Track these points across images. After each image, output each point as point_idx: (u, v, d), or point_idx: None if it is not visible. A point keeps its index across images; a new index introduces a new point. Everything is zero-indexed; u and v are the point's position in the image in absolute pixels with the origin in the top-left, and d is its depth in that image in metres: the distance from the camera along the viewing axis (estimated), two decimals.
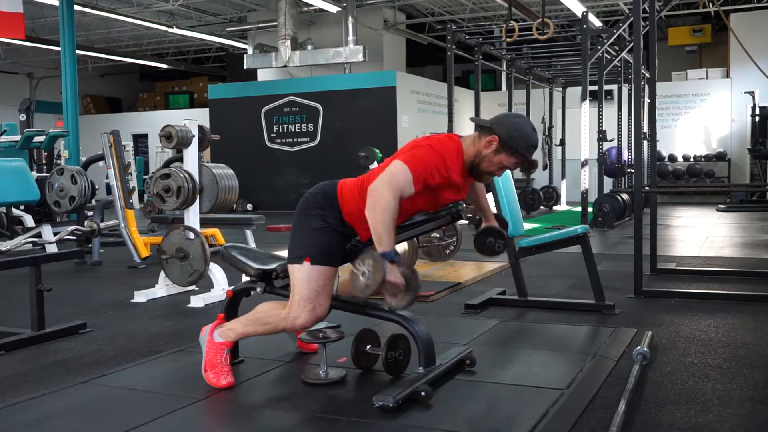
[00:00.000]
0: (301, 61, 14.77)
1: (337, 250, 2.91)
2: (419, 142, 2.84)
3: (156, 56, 20.47)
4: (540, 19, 9.70)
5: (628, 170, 12.11)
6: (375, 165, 9.18)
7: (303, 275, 2.82)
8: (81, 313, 4.64)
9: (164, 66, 20.37)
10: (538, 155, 14.28)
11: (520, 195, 11.30)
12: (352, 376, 3.08)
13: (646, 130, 9.21)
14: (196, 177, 5.05)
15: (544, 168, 14.14)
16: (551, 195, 13.80)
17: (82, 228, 6.58)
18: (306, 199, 2.96)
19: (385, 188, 2.65)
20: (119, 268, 6.71)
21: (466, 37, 11.30)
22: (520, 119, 2.90)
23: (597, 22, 13.26)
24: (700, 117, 15.82)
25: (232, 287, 3.30)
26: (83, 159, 9.14)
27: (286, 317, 2.85)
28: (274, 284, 3.12)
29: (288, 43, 14.55)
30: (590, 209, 9.97)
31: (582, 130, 9.99)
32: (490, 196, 4.44)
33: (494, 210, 4.61)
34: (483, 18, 16.90)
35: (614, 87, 13.08)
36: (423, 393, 2.72)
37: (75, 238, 7.07)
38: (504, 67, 14.52)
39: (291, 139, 14.67)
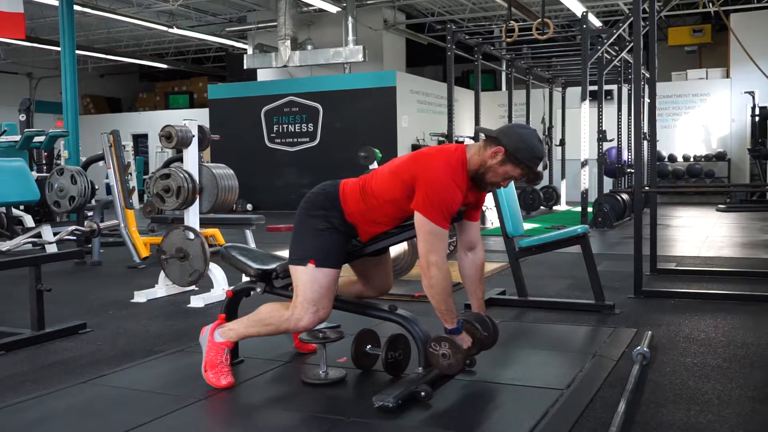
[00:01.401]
0: (301, 61, 14.77)
1: (340, 251, 2.91)
2: (427, 164, 2.78)
3: (156, 56, 20.47)
4: (540, 19, 9.69)
5: (628, 170, 12.11)
6: (375, 165, 9.18)
7: (307, 277, 2.82)
8: (81, 313, 4.64)
9: (164, 66, 20.37)
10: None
11: (520, 195, 11.32)
12: (352, 376, 3.08)
13: (646, 130, 9.21)
14: (196, 177, 5.05)
15: (544, 168, 14.09)
16: (551, 195, 13.79)
17: (82, 228, 6.57)
18: (308, 200, 2.96)
19: (435, 270, 2.77)
20: (119, 268, 6.71)
21: (466, 37, 11.30)
22: (527, 130, 2.88)
23: (597, 22, 13.27)
24: (700, 117, 15.82)
25: (232, 287, 3.30)
26: (83, 159, 9.14)
27: (289, 319, 2.85)
28: (274, 284, 3.12)
29: (288, 43, 14.55)
30: (590, 209, 9.97)
31: (582, 130, 9.99)
32: (489, 197, 4.45)
33: (493, 209, 4.62)
34: (483, 18, 16.90)
35: (614, 87, 13.08)
36: (423, 393, 2.72)
37: (75, 238, 7.07)
38: (504, 67, 14.53)
39: (291, 139, 14.67)
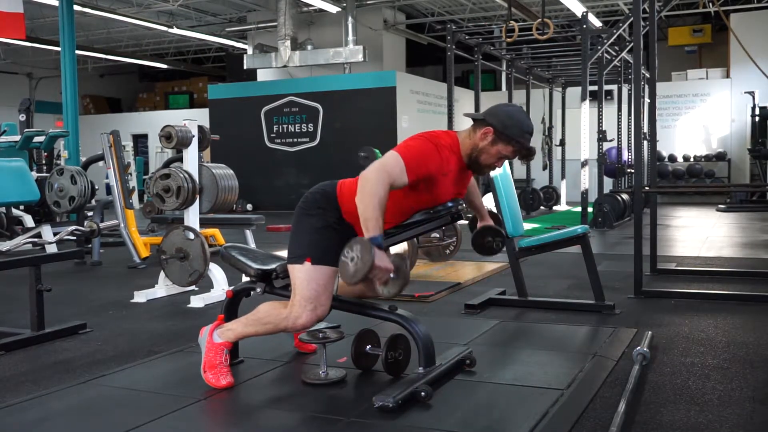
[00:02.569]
0: (300, 61, 14.77)
1: (338, 249, 2.89)
2: (414, 135, 2.86)
3: (156, 56, 20.47)
4: (540, 19, 9.69)
5: (628, 170, 12.11)
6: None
7: (304, 275, 2.82)
8: (81, 314, 4.64)
9: (164, 66, 20.37)
10: (538, 155, 14.34)
11: (520, 195, 11.30)
12: (352, 377, 3.08)
13: (646, 130, 9.20)
14: (196, 177, 5.05)
15: (544, 168, 14.14)
16: (551, 195, 13.80)
17: (82, 228, 6.57)
18: (306, 199, 2.96)
19: (374, 174, 2.63)
20: (119, 269, 6.71)
21: (466, 37, 11.30)
22: (513, 107, 2.91)
23: (597, 22, 13.27)
24: (700, 117, 15.82)
25: (231, 287, 3.30)
26: (83, 159, 9.14)
27: (287, 317, 2.84)
28: (274, 284, 3.12)
29: (288, 43, 14.55)
30: (590, 209, 9.97)
31: (582, 130, 9.99)
32: (489, 197, 4.45)
33: (493, 209, 4.61)
34: (483, 18, 16.89)
35: (614, 87, 13.08)
36: (423, 393, 2.72)
37: (75, 238, 7.07)
38: (504, 67, 14.53)
39: (291, 140, 14.67)
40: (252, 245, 6.34)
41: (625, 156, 12.54)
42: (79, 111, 10.78)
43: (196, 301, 4.90)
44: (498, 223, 3.24)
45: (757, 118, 13.97)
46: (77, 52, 11.36)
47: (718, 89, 15.66)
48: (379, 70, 15.17)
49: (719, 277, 5.73)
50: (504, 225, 3.25)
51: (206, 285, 5.17)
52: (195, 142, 5.10)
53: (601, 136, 10.51)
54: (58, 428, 2.63)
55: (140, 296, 5.11)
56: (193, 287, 5.22)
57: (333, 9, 14.38)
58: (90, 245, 7.07)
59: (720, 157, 15.41)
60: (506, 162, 4.61)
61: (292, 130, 14.66)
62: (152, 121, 18.48)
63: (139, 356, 3.57)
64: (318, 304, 2.83)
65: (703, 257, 6.95)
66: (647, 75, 8.82)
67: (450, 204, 2.92)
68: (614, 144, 12.40)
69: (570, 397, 2.79)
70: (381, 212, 2.61)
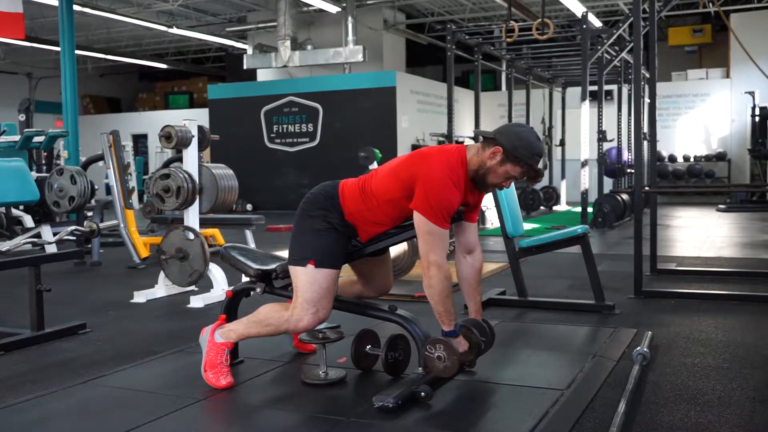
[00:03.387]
0: (300, 61, 14.77)
1: (340, 251, 2.91)
2: (427, 163, 2.78)
3: (155, 56, 20.47)
4: (540, 19, 9.69)
5: (628, 170, 12.11)
6: (375, 165, 9.18)
7: (307, 278, 2.82)
8: (81, 314, 4.63)
9: (164, 66, 20.37)
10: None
11: (520, 195, 11.32)
12: (352, 377, 3.08)
13: (646, 130, 9.19)
14: (196, 177, 5.05)
15: (544, 168, 14.14)
16: (551, 195, 13.79)
17: (82, 228, 6.57)
18: (307, 200, 2.96)
19: (435, 270, 2.76)
20: (119, 269, 6.71)
21: (466, 37, 11.30)
22: (524, 128, 2.89)
23: (597, 22, 13.26)
24: (700, 117, 15.81)
25: (231, 288, 3.30)
26: (83, 159, 9.13)
27: (288, 319, 2.84)
28: (274, 285, 3.12)
29: (288, 43, 14.55)
30: (590, 209, 9.97)
31: (582, 131, 9.99)
32: (489, 197, 4.45)
33: (493, 209, 4.61)
34: (483, 18, 16.89)
35: (614, 87, 13.08)
36: (423, 393, 2.72)
37: (74, 238, 7.07)
38: (504, 68, 14.53)
39: (291, 140, 14.67)
40: (252, 245, 6.34)
41: (625, 156, 12.53)
42: (78, 111, 10.77)
43: (196, 302, 4.90)
44: (482, 332, 3.06)
45: (757, 118, 13.96)
46: (77, 52, 11.35)
47: (718, 89, 15.66)
48: (379, 70, 15.17)
49: (719, 277, 5.73)
50: (493, 333, 3.10)
51: (206, 285, 5.17)
52: (195, 142, 5.10)
53: (601, 136, 10.51)
54: (58, 428, 2.63)
55: (140, 296, 5.11)
56: (192, 287, 5.22)
57: (333, 9, 14.37)
58: (90, 245, 7.07)
59: (720, 157, 15.41)
60: None
61: (292, 130, 14.66)
62: (152, 121, 18.48)
63: (139, 356, 3.57)
64: (320, 308, 2.82)
65: (703, 257, 6.94)
66: (647, 75, 8.82)
67: None
68: (614, 144, 12.40)
69: (570, 397, 2.79)
70: (451, 303, 2.83)
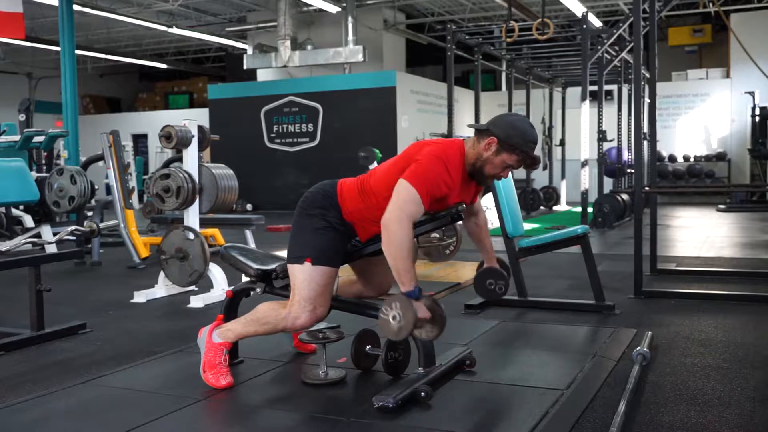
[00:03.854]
0: (300, 61, 14.77)
1: (338, 250, 2.90)
2: (423, 149, 2.81)
3: (156, 56, 20.47)
4: (540, 19, 9.69)
5: (628, 170, 12.11)
6: (375, 165, 9.17)
7: (304, 275, 2.82)
8: (80, 314, 4.63)
9: (164, 66, 20.37)
10: (538, 155, 14.32)
11: (520, 195, 11.30)
12: (352, 377, 3.08)
13: (646, 130, 9.19)
14: (196, 177, 5.05)
15: (544, 168, 14.14)
16: (551, 195, 13.79)
17: (82, 228, 6.56)
18: (306, 199, 2.96)
19: (396, 224, 2.64)
20: (119, 269, 6.71)
21: (466, 37, 11.30)
22: (516, 117, 2.91)
23: (597, 22, 13.26)
24: (700, 117, 15.81)
25: (231, 287, 3.30)
26: (83, 159, 9.13)
27: (286, 317, 2.84)
28: (274, 284, 3.12)
29: (288, 43, 14.55)
30: (590, 209, 9.96)
31: (582, 131, 9.98)
32: (489, 197, 4.45)
33: (493, 209, 4.61)
34: (483, 18, 16.89)
35: (614, 87, 13.08)
36: (423, 393, 2.72)
37: (74, 238, 7.06)
38: (504, 68, 14.54)
39: (291, 140, 14.67)
40: (252, 245, 6.33)
41: (625, 156, 12.53)
42: (78, 111, 10.77)
43: (196, 301, 4.90)
44: (504, 268, 3.20)
45: (757, 118, 13.96)
46: (77, 51, 11.35)
47: (718, 89, 15.66)
48: (379, 70, 15.17)
49: (719, 277, 5.73)
50: (509, 271, 3.18)
51: (206, 285, 5.17)
52: (195, 142, 5.10)
53: (601, 136, 10.50)
54: (58, 428, 2.63)
55: (140, 296, 5.11)
56: (192, 287, 5.22)
57: (333, 9, 14.37)
58: (90, 245, 7.07)
59: (720, 157, 15.41)
60: None
61: (292, 130, 14.66)
62: (152, 121, 18.48)
63: (139, 356, 3.57)
64: (317, 305, 2.82)
65: (703, 257, 6.94)
66: (647, 75, 8.81)
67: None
68: (614, 144, 12.40)
69: (570, 398, 2.79)
70: (411, 262, 2.66)
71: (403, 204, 2.67)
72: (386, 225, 2.66)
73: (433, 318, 2.73)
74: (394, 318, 2.60)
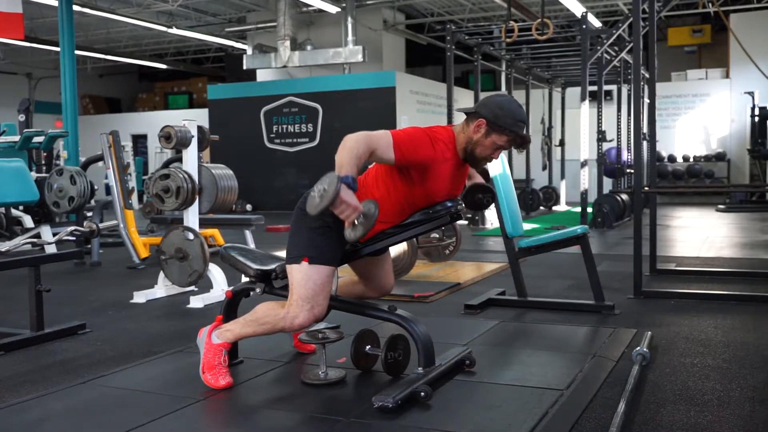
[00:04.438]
0: (300, 62, 14.77)
1: (335, 248, 2.90)
2: (411, 127, 2.87)
3: (155, 56, 20.47)
4: (539, 20, 9.70)
5: (628, 170, 12.11)
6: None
7: (301, 275, 2.82)
8: (80, 314, 4.63)
9: (163, 66, 20.36)
10: (537, 155, 14.39)
11: (519, 195, 11.31)
12: (352, 377, 3.08)
13: (645, 130, 9.20)
14: (196, 177, 5.05)
15: (544, 168, 14.14)
16: (551, 195, 13.80)
17: (82, 228, 6.57)
18: (305, 199, 2.95)
19: (357, 135, 2.65)
20: (118, 269, 6.71)
21: (466, 38, 11.30)
22: (504, 97, 2.91)
23: (596, 23, 13.27)
24: (700, 117, 15.82)
25: (231, 288, 3.30)
26: (82, 159, 9.13)
27: (284, 317, 2.84)
28: (274, 285, 3.12)
29: (287, 43, 14.55)
30: (590, 210, 9.97)
31: (581, 131, 9.99)
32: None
33: (493, 209, 4.61)
34: (482, 18, 16.89)
35: (614, 87, 13.08)
36: (422, 393, 2.72)
37: (74, 238, 7.06)
38: (503, 68, 14.54)
39: (290, 140, 14.67)
40: (251, 245, 6.34)
41: (625, 156, 12.53)
42: (78, 111, 10.77)
43: (196, 302, 4.90)
44: (487, 180, 3.21)
45: (756, 119, 13.96)
46: (77, 52, 11.34)
47: (717, 89, 15.66)
48: (379, 71, 15.17)
49: (719, 277, 5.73)
50: (493, 182, 3.16)
51: (206, 285, 5.17)
52: (194, 142, 5.10)
53: (601, 137, 10.51)
54: (58, 428, 2.63)
55: (140, 296, 5.11)
56: (192, 287, 5.22)
57: (332, 9, 14.37)
58: (89, 246, 7.07)
59: (719, 157, 15.42)
60: (506, 162, 4.63)
61: (292, 130, 14.65)
62: (152, 122, 18.47)
63: (139, 356, 3.57)
64: (315, 304, 2.82)
65: (703, 257, 6.95)
66: (647, 75, 8.82)
67: (449, 204, 2.92)
68: (614, 144, 12.40)
69: (570, 398, 2.79)
70: (356, 159, 2.60)
71: (371, 132, 2.70)
72: (346, 137, 2.66)
73: (365, 216, 2.58)
74: (319, 192, 2.55)
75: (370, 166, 3.04)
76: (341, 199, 2.51)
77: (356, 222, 2.59)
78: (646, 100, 8.00)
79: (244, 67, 15.64)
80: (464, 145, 2.85)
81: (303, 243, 2.86)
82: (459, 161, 2.88)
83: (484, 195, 3.06)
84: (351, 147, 2.61)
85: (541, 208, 13.58)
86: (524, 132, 2.85)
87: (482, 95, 12.36)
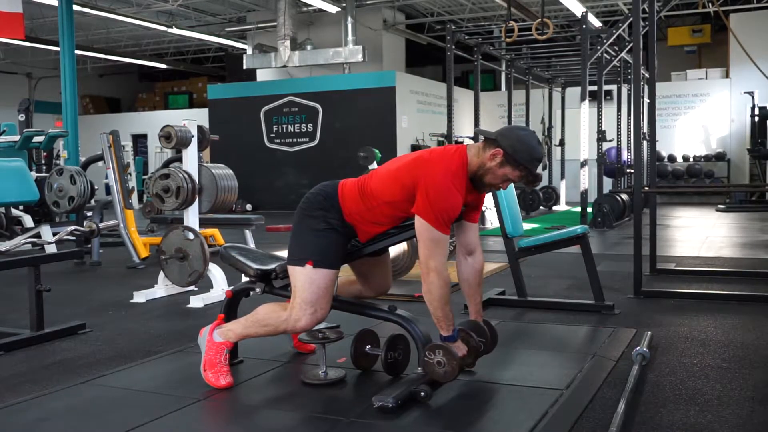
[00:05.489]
0: (300, 62, 14.77)
1: (339, 251, 2.90)
2: (427, 166, 2.77)
3: (155, 56, 20.47)
4: (539, 20, 9.70)
5: (628, 170, 12.11)
6: (374, 165, 9.18)
7: (305, 278, 2.82)
8: (80, 314, 4.63)
9: (163, 66, 20.36)
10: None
11: (519, 195, 11.32)
12: (352, 377, 3.08)
13: (645, 130, 9.21)
14: (196, 177, 5.05)
15: (544, 168, 14.12)
16: (551, 195, 13.79)
17: (82, 228, 6.57)
18: (307, 200, 2.96)
19: (435, 276, 2.75)
20: (118, 269, 6.71)
21: (466, 38, 11.31)
22: (526, 132, 2.88)
23: (596, 23, 13.27)
24: (700, 117, 15.82)
25: (231, 287, 3.30)
26: (82, 159, 9.13)
27: (287, 319, 2.84)
28: (274, 284, 3.12)
29: (287, 43, 14.55)
30: (590, 209, 9.97)
31: (581, 131, 9.99)
32: (489, 197, 4.45)
33: (492, 209, 4.61)
34: (482, 18, 16.90)
35: (614, 87, 13.08)
36: (422, 393, 2.72)
37: (74, 238, 7.06)
38: (503, 68, 14.55)
39: (290, 140, 14.67)
40: (251, 245, 6.34)
41: (625, 156, 12.54)
42: (78, 111, 10.78)
43: (196, 301, 4.90)
44: (482, 334, 3.07)
45: (756, 118, 13.96)
46: (77, 52, 11.35)
47: (717, 89, 15.66)
48: (379, 70, 15.17)
49: (719, 277, 5.73)
50: (495, 338, 3.12)
51: (206, 285, 5.17)
52: (194, 142, 5.10)
53: (601, 137, 10.51)
54: (58, 428, 2.63)
55: (140, 296, 5.11)
56: (192, 287, 5.22)
57: (333, 9, 14.38)
58: (89, 245, 7.07)
59: (719, 157, 15.42)
60: None
61: (292, 130, 14.66)
62: (152, 121, 18.47)
63: (139, 356, 3.57)
64: (318, 308, 2.82)
65: (703, 257, 6.95)
66: (647, 75, 8.82)
67: None
68: (614, 144, 12.41)
69: (570, 397, 2.79)
70: (450, 309, 2.83)
71: (433, 252, 2.75)
72: (425, 277, 2.77)
73: (468, 349, 2.92)
74: (439, 363, 2.77)
75: (371, 167, 3.05)
76: (461, 363, 2.86)
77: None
78: (646, 100, 8.00)
79: (244, 67, 15.64)
80: (476, 169, 2.82)
81: (307, 245, 2.86)
82: (469, 185, 2.86)
83: (478, 338, 3.03)
84: (440, 296, 2.78)
85: (541, 208, 13.57)
86: (537, 171, 2.85)
87: (482, 95, 12.42)
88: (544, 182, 14.26)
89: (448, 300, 2.80)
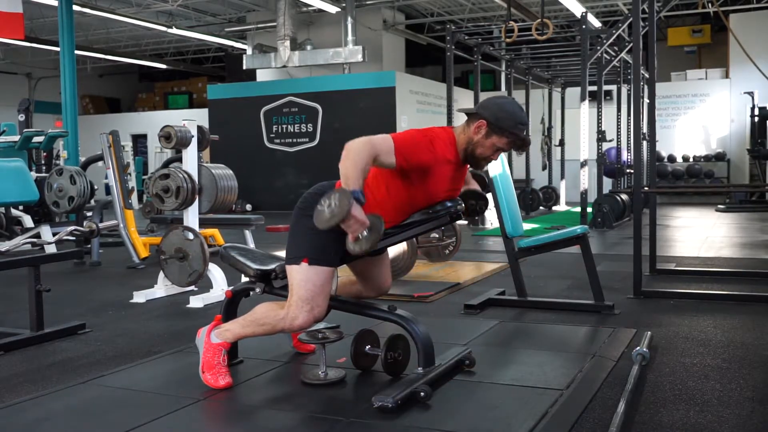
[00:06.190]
0: (300, 62, 14.77)
1: (335, 250, 2.90)
2: (409, 130, 2.87)
3: (155, 56, 20.47)
4: (539, 20, 9.70)
5: (628, 170, 12.11)
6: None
7: (301, 276, 2.82)
8: (80, 314, 4.63)
9: (163, 66, 20.37)
10: (537, 155, 14.39)
11: (519, 195, 11.31)
12: (352, 377, 3.08)
13: (645, 130, 9.21)
14: (195, 177, 5.05)
15: (544, 168, 14.14)
16: (550, 195, 13.80)
17: (81, 228, 6.57)
18: (304, 200, 2.96)
19: (359, 144, 2.63)
20: (118, 269, 6.71)
21: (466, 38, 11.30)
22: (505, 99, 2.91)
23: (596, 23, 13.27)
24: (700, 117, 15.82)
25: (231, 288, 3.29)
26: (82, 159, 9.13)
27: (284, 318, 2.84)
28: (273, 285, 3.12)
29: (287, 43, 14.55)
30: (589, 209, 9.97)
31: (581, 131, 9.99)
32: (489, 197, 4.45)
33: (492, 209, 4.61)
34: (482, 18, 16.90)
35: (613, 87, 13.09)
36: (422, 393, 2.72)
37: (74, 238, 7.07)
38: (503, 68, 14.55)
39: (290, 140, 14.67)
40: (251, 245, 6.34)
41: (625, 156, 12.53)
42: (78, 111, 10.78)
43: (196, 302, 4.90)
44: (483, 187, 3.21)
45: (756, 119, 13.96)
46: (76, 52, 11.35)
47: (717, 89, 15.66)
48: (379, 71, 15.17)
49: (718, 277, 5.73)
50: (491, 185, 3.16)
51: (205, 285, 5.17)
52: (194, 142, 5.10)
53: (601, 137, 10.51)
54: (58, 428, 2.63)
55: (139, 296, 5.11)
56: (192, 287, 5.22)
57: (332, 9, 14.38)
58: (89, 245, 7.07)
59: (719, 157, 15.42)
60: (505, 162, 4.63)
61: (292, 130, 14.66)
62: (151, 122, 18.47)
63: (139, 356, 3.57)
64: (315, 305, 2.82)
65: (703, 257, 6.95)
66: (647, 75, 8.83)
67: (449, 204, 2.91)
68: (614, 144, 12.41)
69: (569, 398, 2.79)
70: (362, 171, 2.61)
71: (372, 138, 2.68)
72: (348, 145, 2.64)
73: (370, 229, 2.61)
74: (328, 206, 2.55)
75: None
76: (352, 215, 2.52)
77: (361, 236, 2.60)
78: (646, 100, 8.00)
79: (244, 67, 15.64)
80: (465, 146, 2.85)
81: (303, 244, 2.86)
82: (459, 162, 2.88)
83: (477, 202, 3.06)
84: (355, 158, 2.61)
85: (541, 208, 13.58)
86: (524, 134, 2.85)
87: (482, 95, 12.40)
88: (544, 182, 14.28)
89: (362, 170, 2.61)
